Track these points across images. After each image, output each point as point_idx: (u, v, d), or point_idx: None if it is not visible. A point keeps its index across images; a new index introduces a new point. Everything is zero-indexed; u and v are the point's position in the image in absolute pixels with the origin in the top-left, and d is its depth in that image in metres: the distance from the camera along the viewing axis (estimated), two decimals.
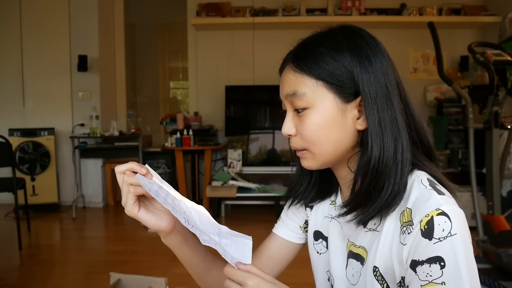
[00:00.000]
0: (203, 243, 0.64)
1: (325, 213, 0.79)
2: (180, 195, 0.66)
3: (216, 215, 3.49)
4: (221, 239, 0.66)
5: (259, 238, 0.86)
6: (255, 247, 0.78)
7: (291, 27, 4.29)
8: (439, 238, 0.55)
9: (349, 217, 0.66)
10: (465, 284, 0.54)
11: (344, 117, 0.64)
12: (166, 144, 4.09)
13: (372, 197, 0.62)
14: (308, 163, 0.68)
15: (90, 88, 4.21)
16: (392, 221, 0.62)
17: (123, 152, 4.06)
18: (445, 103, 4.10)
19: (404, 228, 0.60)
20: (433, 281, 0.55)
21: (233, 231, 0.67)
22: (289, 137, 0.69)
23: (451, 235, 0.55)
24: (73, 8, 4.15)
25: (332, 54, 0.63)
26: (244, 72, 4.33)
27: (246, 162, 3.94)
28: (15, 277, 2.43)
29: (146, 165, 0.67)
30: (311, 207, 0.82)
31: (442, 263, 0.55)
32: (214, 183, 3.62)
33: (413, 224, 0.58)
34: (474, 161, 2.45)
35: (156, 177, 0.67)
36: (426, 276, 0.56)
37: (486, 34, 4.24)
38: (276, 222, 0.87)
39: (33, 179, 3.90)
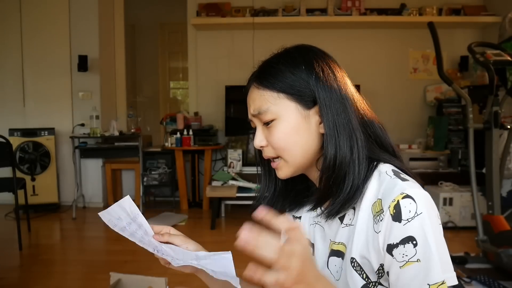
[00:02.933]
0: (176, 265, 0.71)
1: (310, 221, 0.82)
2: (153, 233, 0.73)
3: (216, 215, 3.50)
4: (199, 261, 0.70)
5: None
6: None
7: (291, 27, 4.29)
8: (407, 219, 0.60)
9: (318, 211, 0.73)
10: (434, 258, 0.59)
11: (308, 123, 0.70)
12: (166, 144, 4.09)
13: (333, 191, 0.69)
14: (283, 171, 0.74)
15: (90, 88, 4.22)
16: (365, 214, 0.67)
17: (123, 152, 4.07)
18: (445, 103, 4.10)
19: (377, 218, 0.64)
20: (409, 260, 0.60)
21: (211, 252, 0.71)
22: (261, 149, 0.75)
23: (417, 215, 0.60)
24: (73, 8, 4.16)
25: (290, 69, 0.70)
26: (244, 72, 4.25)
27: (246, 162, 3.94)
28: (15, 277, 2.44)
29: (122, 201, 0.73)
30: (300, 218, 0.85)
31: (414, 242, 0.59)
32: (214, 183, 3.62)
33: (383, 212, 0.63)
34: (474, 161, 2.45)
35: (131, 212, 0.72)
36: (403, 256, 0.60)
37: (486, 34, 4.24)
38: None
39: (33, 179, 3.90)
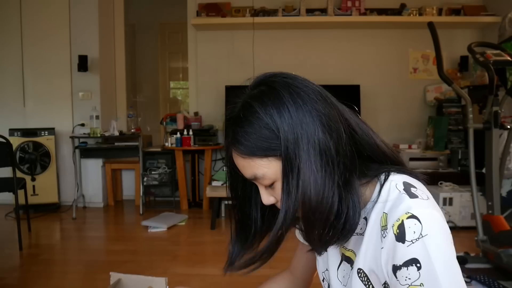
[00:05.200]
0: None
1: None
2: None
3: (216, 215, 3.50)
4: None
5: None
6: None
7: (291, 27, 4.29)
8: (411, 241, 0.57)
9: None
10: (440, 283, 0.55)
11: None
12: (166, 144, 4.09)
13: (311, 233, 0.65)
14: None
15: (90, 88, 4.22)
16: (374, 225, 0.65)
17: (123, 152, 4.07)
18: (445, 103, 4.10)
19: (383, 232, 0.62)
20: (412, 284, 0.57)
21: None
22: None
23: (422, 236, 0.56)
24: (73, 8, 4.16)
25: (266, 126, 0.62)
26: (244, 72, 4.33)
27: None
28: (15, 277, 2.44)
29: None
30: None
31: (418, 265, 0.56)
32: (214, 183, 3.62)
33: (387, 229, 0.60)
34: (474, 161, 2.46)
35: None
36: (406, 280, 0.57)
37: (486, 34, 4.24)
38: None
39: (33, 179, 3.90)
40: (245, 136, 0.63)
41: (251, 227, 0.76)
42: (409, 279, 0.57)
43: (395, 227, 0.58)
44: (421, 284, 0.56)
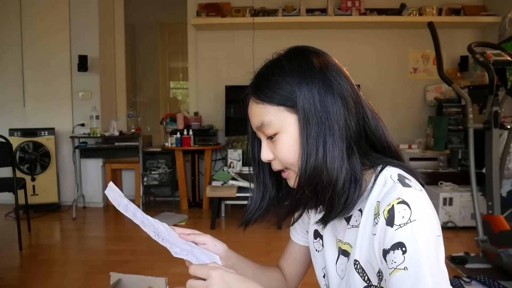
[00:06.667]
0: (174, 255, 0.71)
1: (316, 219, 0.81)
2: (146, 214, 0.71)
3: (216, 215, 3.50)
4: (192, 248, 0.73)
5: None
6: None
7: (291, 27, 4.29)
8: (399, 225, 0.58)
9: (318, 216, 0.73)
10: (424, 267, 0.56)
11: None
12: (166, 144, 4.09)
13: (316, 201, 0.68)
14: (294, 182, 0.71)
15: (90, 88, 4.22)
16: (368, 216, 0.66)
17: (123, 152, 4.07)
18: (445, 103, 4.10)
19: (375, 220, 0.63)
20: (397, 267, 0.58)
21: (204, 249, 0.74)
22: (269, 161, 0.73)
23: (410, 221, 0.58)
24: (73, 8, 4.16)
25: (286, 79, 0.67)
26: (244, 72, 4.25)
27: (246, 162, 3.94)
28: (15, 277, 2.44)
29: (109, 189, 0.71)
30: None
31: (404, 248, 0.57)
32: (214, 183, 3.62)
33: (379, 215, 0.62)
34: (474, 161, 2.46)
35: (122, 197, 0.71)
36: (392, 263, 0.58)
37: (486, 34, 4.24)
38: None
39: (33, 179, 3.90)
40: (265, 83, 0.68)
41: (267, 187, 0.79)
42: (395, 262, 0.58)
43: (386, 212, 0.60)
44: (405, 268, 0.57)
